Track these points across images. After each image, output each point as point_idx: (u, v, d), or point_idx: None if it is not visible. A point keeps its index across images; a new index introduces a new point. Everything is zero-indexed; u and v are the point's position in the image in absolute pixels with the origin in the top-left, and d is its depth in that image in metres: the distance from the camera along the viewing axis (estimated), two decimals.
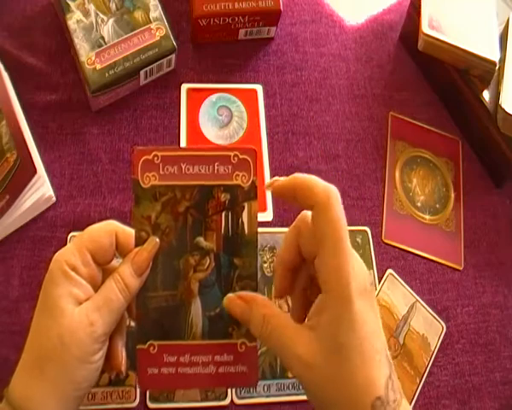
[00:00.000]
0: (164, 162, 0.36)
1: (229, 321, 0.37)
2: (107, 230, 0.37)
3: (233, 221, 0.37)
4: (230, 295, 0.36)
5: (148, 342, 0.37)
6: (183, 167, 0.36)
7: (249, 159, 0.37)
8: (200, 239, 0.37)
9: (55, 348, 0.33)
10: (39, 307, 0.35)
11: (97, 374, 0.36)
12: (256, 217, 0.37)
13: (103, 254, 0.36)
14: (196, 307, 0.37)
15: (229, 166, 0.37)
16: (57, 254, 0.36)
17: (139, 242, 0.36)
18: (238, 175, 0.37)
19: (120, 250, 0.37)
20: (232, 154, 0.37)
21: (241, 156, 0.37)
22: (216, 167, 0.37)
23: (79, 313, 0.34)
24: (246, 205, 0.37)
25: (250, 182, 0.37)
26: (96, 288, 0.36)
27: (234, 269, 0.37)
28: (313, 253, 0.34)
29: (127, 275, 0.36)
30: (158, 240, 0.36)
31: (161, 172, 0.36)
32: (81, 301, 0.35)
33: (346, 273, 0.32)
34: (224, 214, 0.37)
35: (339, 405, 0.33)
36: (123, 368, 0.38)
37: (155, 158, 0.36)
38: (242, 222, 0.37)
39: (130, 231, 0.37)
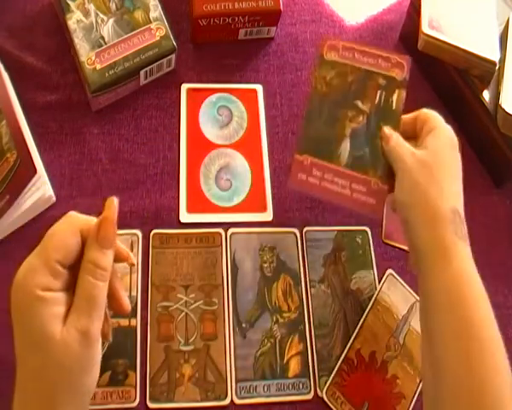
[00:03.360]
0: (343, 49, 0.52)
1: (369, 164, 0.48)
2: (71, 230, 0.34)
3: (385, 97, 0.50)
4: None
5: (304, 155, 0.49)
6: (356, 56, 0.51)
7: (404, 63, 0.51)
8: (358, 102, 0.50)
9: (60, 379, 0.32)
10: (24, 342, 0.33)
11: (99, 365, 0.35)
12: (402, 100, 0.50)
13: (72, 257, 0.34)
14: (345, 145, 0.49)
15: (389, 64, 0.51)
16: (24, 277, 0.33)
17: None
18: (394, 71, 0.51)
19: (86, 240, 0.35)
20: (392, 57, 0.51)
21: (398, 60, 0.51)
22: (379, 61, 0.51)
23: (68, 331, 0.32)
24: (397, 91, 0.50)
25: (403, 77, 0.51)
26: (71, 286, 0.34)
27: (379, 129, 0.49)
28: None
29: (99, 257, 0.34)
30: (116, 200, 0.35)
31: (341, 53, 0.52)
32: (65, 315, 0.33)
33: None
34: (379, 92, 0.51)
35: (427, 194, 0.43)
36: (129, 308, 0.38)
37: (338, 44, 0.52)
38: (392, 100, 0.50)
39: (93, 220, 0.35)
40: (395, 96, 0.51)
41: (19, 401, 0.33)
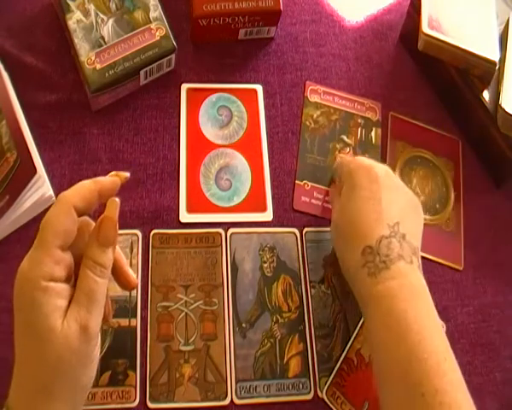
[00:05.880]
0: (324, 93, 0.62)
1: None
2: (65, 211, 0.34)
3: (365, 134, 0.62)
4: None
5: (304, 181, 0.58)
6: (336, 100, 0.62)
7: (376, 108, 0.63)
8: (344, 136, 0.61)
9: (57, 371, 0.32)
10: (25, 332, 0.33)
11: (97, 363, 0.35)
12: (379, 137, 0.62)
13: (71, 237, 0.34)
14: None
15: (364, 107, 0.63)
16: (28, 268, 0.33)
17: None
18: (369, 113, 0.63)
19: (84, 213, 0.36)
20: (365, 102, 0.63)
21: (371, 105, 0.63)
22: (356, 105, 0.63)
23: (69, 324, 0.32)
24: (374, 128, 0.62)
25: (376, 119, 0.62)
26: (72, 272, 0.35)
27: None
28: None
29: (99, 255, 0.34)
30: (117, 200, 0.37)
31: (322, 96, 0.62)
32: (66, 309, 0.33)
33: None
34: (359, 129, 0.62)
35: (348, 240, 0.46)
36: (136, 282, 0.40)
37: (319, 89, 0.62)
38: (371, 136, 0.62)
39: (82, 187, 0.36)
40: (373, 133, 0.62)
41: (14, 389, 0.33)
